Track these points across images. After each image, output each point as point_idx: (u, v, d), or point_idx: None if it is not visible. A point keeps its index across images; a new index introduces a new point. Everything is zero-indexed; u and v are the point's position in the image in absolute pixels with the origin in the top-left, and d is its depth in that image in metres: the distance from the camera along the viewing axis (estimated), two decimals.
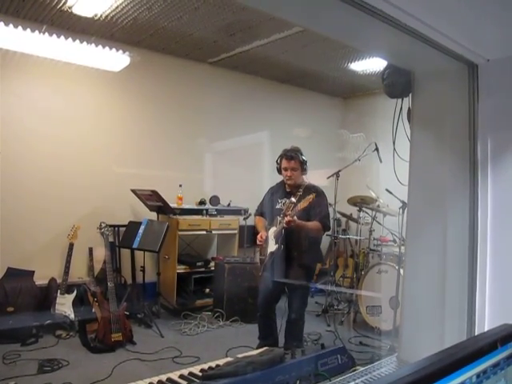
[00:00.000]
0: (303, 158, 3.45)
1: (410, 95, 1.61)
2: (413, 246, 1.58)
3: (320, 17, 1.22)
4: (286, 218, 3.21)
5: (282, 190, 3.56)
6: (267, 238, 3.50)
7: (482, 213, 1.38)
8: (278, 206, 3.51)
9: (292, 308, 3.44)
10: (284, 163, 3.44)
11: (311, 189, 3.37)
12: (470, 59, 1.35)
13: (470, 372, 0.68)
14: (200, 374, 1.43)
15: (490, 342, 0.73)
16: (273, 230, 3.47)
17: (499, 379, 0.75)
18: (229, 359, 1.41)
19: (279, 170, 3.52)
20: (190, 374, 1.46)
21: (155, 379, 1.40)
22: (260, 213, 3.75)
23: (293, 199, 3.34)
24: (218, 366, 1.46)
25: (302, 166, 3.44)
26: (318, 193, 3.35)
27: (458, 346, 0.70)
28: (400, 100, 1.72)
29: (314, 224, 3.33)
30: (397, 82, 1.57)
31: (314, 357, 1.45)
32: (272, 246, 3.44)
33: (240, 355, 1.46)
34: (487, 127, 1.37)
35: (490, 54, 1.33)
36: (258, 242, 3.58)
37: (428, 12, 1.15)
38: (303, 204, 3.17)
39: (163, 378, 1.41)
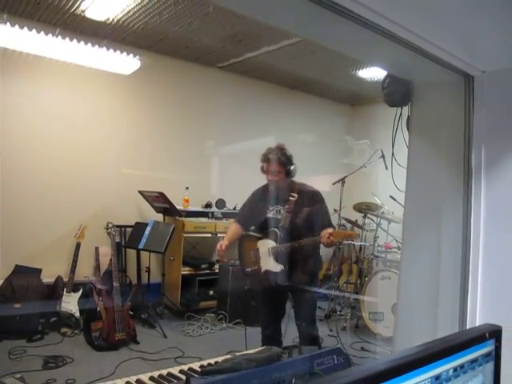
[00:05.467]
0: (286, 158, 2.94)
1: (409, 104, 1.66)
2: (408, 249, 1.63)
3: (323, 31, 1.27)
4: (326, 238, 2.71)
5: (272, 195, 3.04)
6: (258, 252, 3.08)
7: (475, 219, 1.42)
8: (270, 215, 3.02)
9: (302, 324, 3.07)
10: (264, 165, 2.98)
11: (306, 192, 2.98)
12: (466, 71, 1.41)
13: (448, 365, 0.72)
14: (199, 369, 1.49)
15: (469, 339, 0.78)
16: (268, 243, 3.03)
17: (477, 374, 0.80)
18: (227, 357, 1.46)
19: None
20: (190, 369, 1.51)
21: (156, 373, 1.45)
22: (243, 221, 3.20)
23: (287, 207, 2.93)
24: (216, 362, 1.51)
25: (285, 168, 2.93)
26: (315, 194, 2.98)
27: (438, 340, 0.75)
28: (400, 108, 1.77)
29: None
30: (396, 91, 1.62)
31: (311, 356, 1.49)
32: (271, 265, 3.01)
33: (238, 353, 1.51)
34: (482, 137, 1.42)
35: (486, 66, 1.38)
36: (217, 251, 3.08)
37: (425, 26, 1.20)
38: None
39: (164, 372, 1.46)
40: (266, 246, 3.05)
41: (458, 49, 1.28)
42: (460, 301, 1.42)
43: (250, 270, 3.14)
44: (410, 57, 1.31)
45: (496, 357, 0.83)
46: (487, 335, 0.80)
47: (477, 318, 1.36)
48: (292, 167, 2.96)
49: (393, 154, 1.75)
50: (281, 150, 2.97)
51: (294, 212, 2.92)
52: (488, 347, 0.81)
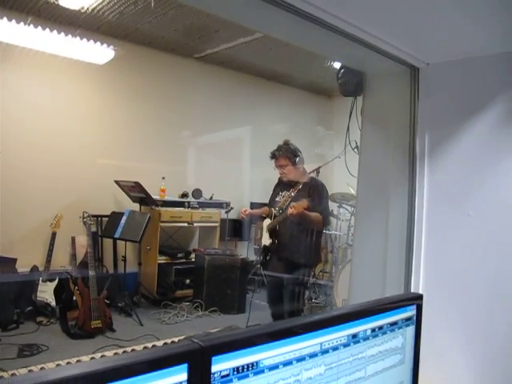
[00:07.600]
0: (290, 152, 3.37)
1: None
2: (361, 225, 1.79)
3: (279, 28, 1.37)
4: (290, 210, 3.14)
5: (285, 183, 3.49)
6: (262, 230, 3.51)
7: (418, 199, 1.56)
8: (277, 199, 3.49)
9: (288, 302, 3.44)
10: (274, 162, 3.45)
11: (310, 182, 3.37)
12: (412, 63, 1.51)
13: (365, 325, 0.80)
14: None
15: (388, 304, 0.86)
16: (267, 221, 3.46)
17: (396, 336, 0.88)
18: (190, 334, 1.53)
19: None
20: (153, 346, 1.58)
21: (121, 350, 1.51)
22: (269, 203, 3.69)
23: (292, 193, 3.35)
24: (179, 341, 1.58)
25: (291, 160, 3.36)
26: (318, 185, 3.35)
27: (362, 303, 0.83)
28: (359, 98, 1.85)
29: (315, 215, 3.24)
30: (350, 82, 1.70)
31: None
32: (266, 240, 3.44)
33: (201, 333, 1.58)
34: (425, 125, 1.54)
35: (430, 58, 1.49)
36: (242, 212, 3.78)
37: (374, 23, 1.29)
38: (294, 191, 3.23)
39: (128, 349, 1.53)
40: (266, 223, 3.51)
41: (404, 43, 1.38)
42: (405, 271, 1.57)
43: (256, 246, 3.69)
44: (361, 51, 1.40)
45: (417, 322, 0.91)
46: (410, 301, 0.88)
47: (420, 287, 1.51)
48: (297, 159, 3.37)
49: (348, 140, 1.85)
50: (285, 145, 3.41)
51: (293, 198, 3.30)
52: (408, 312, 0.90)
